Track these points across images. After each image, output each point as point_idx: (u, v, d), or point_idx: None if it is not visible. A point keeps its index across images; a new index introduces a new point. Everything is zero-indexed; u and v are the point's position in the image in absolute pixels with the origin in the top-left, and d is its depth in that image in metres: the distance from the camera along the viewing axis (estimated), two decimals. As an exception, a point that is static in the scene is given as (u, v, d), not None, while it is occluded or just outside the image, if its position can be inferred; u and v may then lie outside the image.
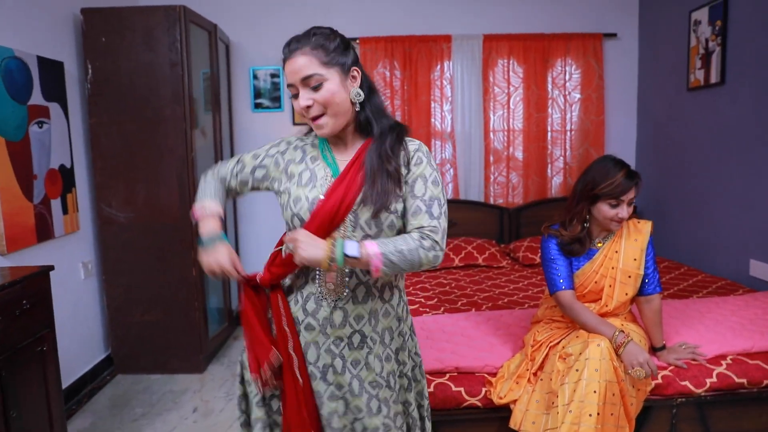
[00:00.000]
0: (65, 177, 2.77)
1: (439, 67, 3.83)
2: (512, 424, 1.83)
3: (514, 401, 1.85)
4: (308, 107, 1.24)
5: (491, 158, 3.96)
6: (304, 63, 1.22)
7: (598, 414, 1.62)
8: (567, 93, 3.91)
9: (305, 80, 1.22)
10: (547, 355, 1.88)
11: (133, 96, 2.92)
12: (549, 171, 4.00)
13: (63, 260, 2.75)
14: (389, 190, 1.23)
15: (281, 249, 1.34)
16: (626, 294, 1.90)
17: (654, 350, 1.96)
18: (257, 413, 1.37)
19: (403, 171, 1.28)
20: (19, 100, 2.41)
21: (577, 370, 1.69)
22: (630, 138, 4.05)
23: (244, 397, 1.42)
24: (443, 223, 1.25)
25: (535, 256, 3.45)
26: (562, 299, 1.87)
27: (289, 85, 1.26)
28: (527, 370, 1.89)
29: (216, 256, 1.29)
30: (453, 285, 3.05)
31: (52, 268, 1.89)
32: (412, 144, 1.32)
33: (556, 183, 4.03)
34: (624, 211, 1.83)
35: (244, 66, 3.78)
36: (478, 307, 2.62)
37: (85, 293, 2.97)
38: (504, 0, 3.83)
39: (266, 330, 1.33)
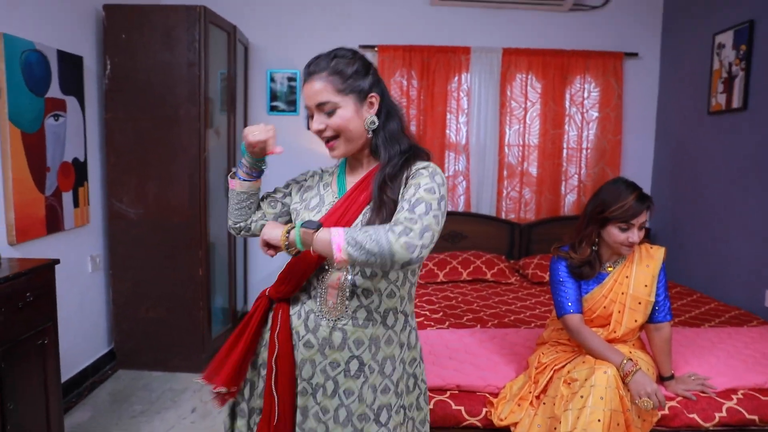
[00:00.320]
0: (78, 170, 2.78)
1: (456, 78, 3.81)
2: (512, 448, 1.79)
3: (515, 424, 1.81)
4: (321, 131, 1.25)
5: (505, 173, 3.92)
6: (319, 89, 1.23)
7: (602, 443, 1.58)
8: (585, 111, 3.87)
9: (320, 106, 1.24)
10: (551, 378, 1.84)
11: (149, 93, 2.94)
12: (563, 188, 3.96)
13: (71, 253, 2.76)
14: (387, 220, 1.20)
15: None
16: (635, 321, 1.85)
17: (662, 379, 1.91)
18: (238, 423, 1.39)
19: (404, 189, 1.24)
20: (36, 93, 2.43)
21: (581, 397, 1.65)
22: (647, 159, 3.99)
23: (231, 406, 1.42)
24: (427, 221, 1.11)
25: (545, 274, 3.40)
26: (570, 323, 1.83)
27: (306, 107, 1.28)
28: (530, 392, 1.85)
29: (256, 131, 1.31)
30: (459, 299, 3.02)
31: (57, 261, 1.88)
32: (419, 164, 1.26)
33: (570, 201, 3.98)
34: (635, 235, 1.79)
35: (261, 68, 3.79)
36: (483, 324, 2.58)
37: (92, 287, 2.98)
38: (525, 14, 3.80)
39: (246, 357, 1.34)
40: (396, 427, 1.30)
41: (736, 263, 3.11)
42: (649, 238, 3.81)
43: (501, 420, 1.82)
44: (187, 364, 3.08)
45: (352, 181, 1.34)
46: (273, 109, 3.82)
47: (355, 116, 1.24)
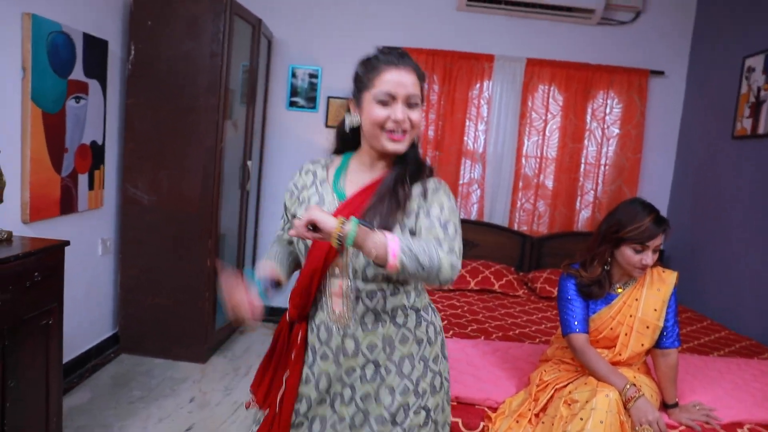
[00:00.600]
0: (95, 153, 2.81)
1: (478, 85, 3.79)
2: (507, 465, 1.76)
3: (512, 440, 1.78)
4: (401, 121, 1.23)
5: (520, 184, 3.88)
6: (414, 82, 1.24)
7: (599, 469, 1.55)
8: (606, 126, 3.82)
9: (409, 97, 1.23)
10: (552, 397, 1.82)
11: (170, 81, 2.95)
12: (578, 203, 3.91)
13: (83, 234, 2.79)
14: (392, 210, 1.20)
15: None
16: (642, 345, 1.82)
17: (665, 407, 1.87)
18: (253, 429, 1.42)
19: (418, 202, 1.25)
20: (60, 74, 2.46)
21: (581, 419, 1.62)
22: (666, 180, 3.93)
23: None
24: (459, 242, 1.21)
25: (553, 288, 3.36)
26: (575, 342, 1.80)
27: (386, 94, 1.21)
28: (529, 410, 1.82)
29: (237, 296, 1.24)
30: (465, 308, 2.99)
31: (67, 243, 1.90)
32: (433, 179, 1.31)
33: (584, 217, 3.93)
34: (648, 257, 1.75)
35: (283, 63, 3.80)
36: (487, 335, 2.55)
37: (101, 270, 3.01)
38: (551, 25, 3.76)
39: (277, 373, 1.36)
40: (413, 428, 1.28)
41: (751, 292, 3.04)
42: (663, 260, 3.75)
43: (498, 436, 1.79)
44: (189, 353, 3.10)
45: (354, 180, 1.31)
46: (292, 104, 3.83)
47: (422, 119, 1.30)
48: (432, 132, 3.80)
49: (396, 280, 1.27)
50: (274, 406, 1.32)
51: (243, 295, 1.21)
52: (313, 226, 1.08)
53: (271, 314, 3.95)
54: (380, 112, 1.22)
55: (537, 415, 1.80)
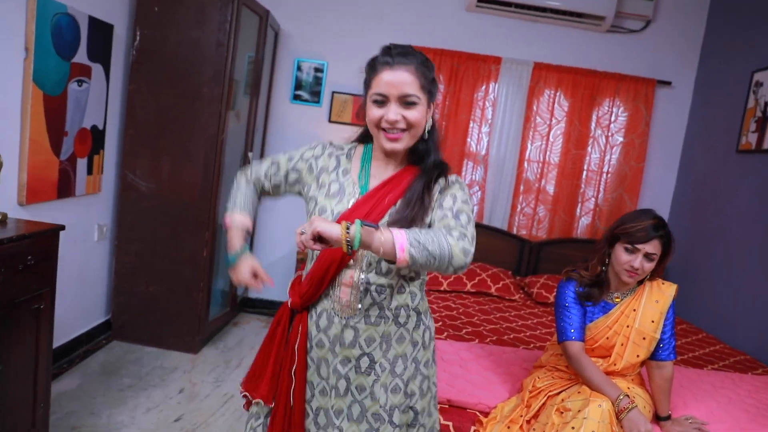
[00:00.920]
0: (96, 138, 2.78)
1: (484, 87, 3.76)
2: (496, 470, 1.75)
3: (502, 446, 1.77)
4: (396, 121, 1.23)
5: (521, 188, 3.87)
6: (409, 80, 1.21)
7: (588, 479, 1.54)
8: (610, 134, 3.80)
9: (403, 96, 1.22)
10: (544, 404, 1.81)
11: (175, 69, 2.93)
12: (578, 210, 3.89)
13: (79, 219, 2.77)
14: (417, 218, 1.22)
15: (301, 275, 1.36)
16: (637, 356, 1.81)
17: (658, 419, 1.85)
18: (253, 423, 1.41)
19: (436, 198, 1.27)
20: (63, 56, 2.43)
21: (573, 428, 1.61)
22: (667, 190, 3.91)
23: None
24: (472, 229, 1.20)
25: (549, 294, 3.35)
26: (570, 350, 1.79)
27: (380, 94, 1.23)
28: (521, 416, 1.81)
29: (238, 272, 1.31)
30: (461, 310, 2.98)
31: (62, 228, 1.88)
32: (452, 177, 1.32)
33: (584, 223, 3.92)
34: (638, 261, 1.74)
35: (289, 56, 3.78)
36: (482, 339, 2.54)
37: (96, 255, 2.99)
38: (560, 30, 3.74)
39: (276, 369, 1.35)
40: (402, 427, 1.30)
41: (747, 307, 3.03)
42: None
43: (488, 441, 1.78)
44: (181, 343, 3.08)
45: (376, 175, 1.32)
46: (296, 98, 3.80)
47: (425, 116, 1.27)
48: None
49: (409, 277, 1.28)
50: (283, 400, 1.31)
51: (245, 269, 1.31)
52: (319, 237, 1.10)
53: (264, 307, 3.94)
54: (375, 113, 1.25)
55: (528, 422, 1.79)
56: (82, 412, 2.35)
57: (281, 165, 1.39)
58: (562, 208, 3.85)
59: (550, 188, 3.87)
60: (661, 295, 1.83)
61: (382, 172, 1.32)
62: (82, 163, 2.69)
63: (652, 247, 1.74)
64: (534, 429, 1.75)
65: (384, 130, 1.24)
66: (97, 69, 2.70)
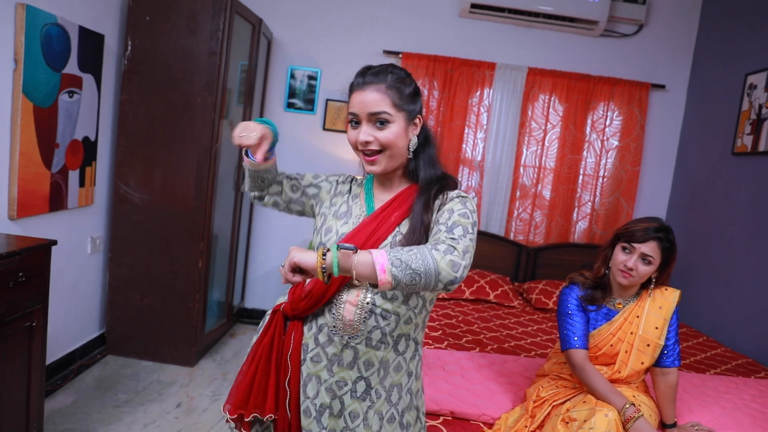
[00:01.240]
0: (87, 149, 2.74)
1: (478, 93, 3.76)
2: (502, 483, 1.72)
3: (508, 458, 1.74)
4: (367, 142, 1.21)
5: (518, 193, 3.85)
6: (377, 99, 1.20)
7: (596, 491, 1.51)
8: (605, 138, 3.80)
9: (372, 115, 1.20)
10: (549, 414, 1.78)
11: (167, 78, 2.90)
12: (575, 215, 3.88)
13: (72, 232, 2.72)
14: (420, 242, 1.19)
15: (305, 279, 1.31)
16: (642, 363, 1.78)
17: (664, 427, 1.83)
18: None
19: (435, 216, 1.23)
20: (54, 67, 2.39)
21: (579, 438, 1.58)
22: (663, 194, 3.91)
23: None
24: (465, 242, 1.11)
25: (549, 300, 3.33)
26: (574, 358, 1.76)
27: (352, 114, 1.23)
28: (525, 426, 1.78)
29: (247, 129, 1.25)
30: (460, 318, 2.95)
31: (54, 243, 1.84)
32: (453, 192, 1.26)
33: (581, 228, 3.91)
34: (632, 261, 1.73)
35: (282, 64, 3.75)
36: (482, 347, 2.51)
37: (89, 268, 2.94)
38: (554, 35, 3.74)
39: (262, 378, 1.29)
40: None
41: (747, 310, 3.02)
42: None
43: (493, 453, 1.75)
44: (178, 356, 3.03)
45: (381, 198, 1.31)
46: (290, 106, 3.78)
47: (403, 134, 1.23)
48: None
49: (414, 307, 1.25)
50: (282, 414, 1.27)
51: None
52: (299, 268, 1.07)
53: (260, 317, 3.89)
54: (351, 134, 1.24)
55: (533, 433, 1.76)
56: (77, 430, 2.30)
57: (306, 176, 1.41)
58: (558, 213, 3.84)
59: (547, 193, 3.86)
60: (664, 302, 1.81)
61: (384, 194, 1.32)
62: (74, 176, 2.64)
63: (649, 248, 1.73)
64: (539, 440, 1.72)
65: (363, 153, 1.23)
66: (88, 79, 2.66)
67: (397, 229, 1.24)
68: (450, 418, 1.85)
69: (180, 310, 3.02)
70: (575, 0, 3.46)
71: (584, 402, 1.69)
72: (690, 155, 3.73)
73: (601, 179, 3.84)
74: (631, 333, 1.79)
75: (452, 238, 1.11)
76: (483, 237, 3.74)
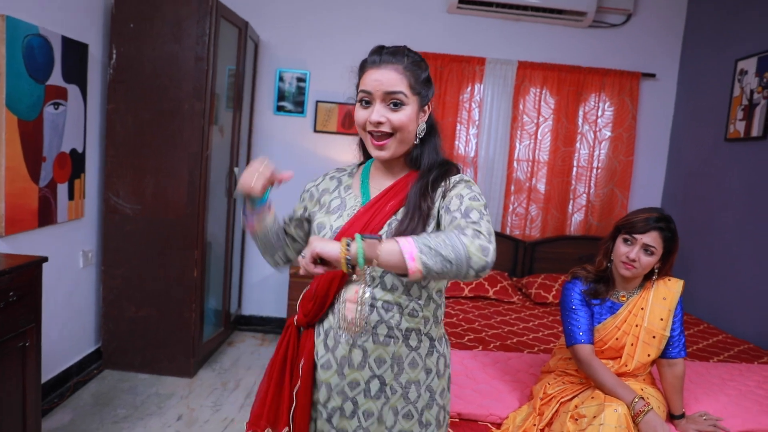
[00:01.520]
0: (75, 162, 2.69)
1: (469, 89, 3.73)
2: (513, 484, 1.70)
3: (518, 458, 1.71)
4: (379, 123, 1.16)
5: (512, 188, 3.84)
6: (395, 78, 1.15)
7: (610, 487, 1.49)
8: (597, 129, 3.79)
9: (388, 95, 1.16)
10: (557, 411, 1.75)
11: (154, 86, 2.85)
12: (570, 207, 3.87)
13: (63, 247, 2.67)
14: (418, 229, 1.14)
15: (308, 289, 1.30)
16: (648, 355, 1.77)
17: (672, 418, 1.81)
18: None
19: (439, 203, 1.18)
20: (37, 79, 2.34)
21: (589, 435, 1.56)
22: (658, 182, 3.91)
23: None
24: (487, 225, 1.07)
25: (548, 294, 3.31)
26: (580, 354, 1.74)
27: (365, 92, 1.18)
28: (534, 425, 1.76)
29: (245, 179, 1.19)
30: (461, 317, 2.92)
31: (45, 259, 1.79)
32: (455, 177, 1.22)
33: (576, 220, 3.89)
34: (634, 252, 1.72)
35: (270, 67, 3.71)
36: (485, 345, 2.49)
37: (82, 282, 2.88)
38: (543, 28, 3.73)
39: (282, 393, 1.27)
40: None
41: (746, 296, 3.02)
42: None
43: (503, 453, 1.73)
44: (176, 367, 2.99)
45: (377, 187, 1.27)
46: (280, 109, 3.73)
47: (415, 119, 1.19)
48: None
49: (417, 298, 1.20)
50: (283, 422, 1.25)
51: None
52: (320, 259, 1.01)
53: (258, 324, 3.85)
54: (360, 114, 1.19)
55: (542, 430, 1.73)
56: (76, 449, 2.25)
57: (295, 209, 1.37)
58: (554, 206, 3.82)
59: (541, 187, 3.84)
60: (668, 292, 1.79)
61: (382, 182, 1.26)
62: (62, 189, 2.59)
63: (651, 238, 1.72)
64: (549, 438, 1.70)
65: (371, 134, 1.18)
66: (73, 90, 2.61)
67: (393, 217, 1.19)
68: (457, 420, 1.82)
69: (176, 321, 2.97)
70: (563, -8, 3.44)
71: (593, 398, 1.67)
72: (683, 143, 3.73)
73: (595, 170, 3.83)
74: (636, 325, 1.77)
75: (473, 222, 1.06)
76: (479, 233, 3.71)
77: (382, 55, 1.18)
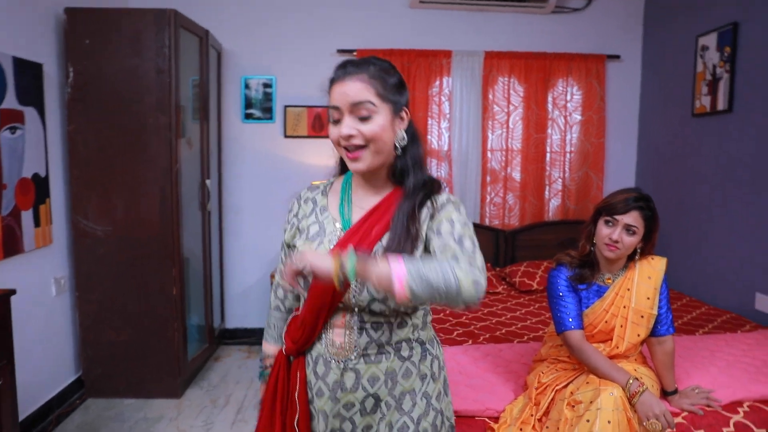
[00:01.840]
0: (39, 186, 2.58)
1: (438, 83, 3.72)
2: (516, 476, 1.68)
3: (518, 450, 1.70)
4: (350, 136, 1.11)
5: (488, 178, 3.84)
6: (360, 88, 1.11)
7: (611, 470, 1.48)
8: (567, 114, 3.81)
9: (355, 106, 1.11)
10: (553, 399, 1.75)
11: (115, 102, 2.76)
12: (547, 193, 3.89)
13: (33, 276, 2.57)
14: (408, 249, 1.10)
15: (298, 316, 1.25)
16: (638, 335, 1.77)
17: (665, 394, 1.83)
18: None
19: (428, 224, 1.15)
20: (-10, 104, 2.24)
21: (587, 421, 1.55)
22: (630, 162, 3.96)
23: None
24: (479, 257, 1.06)
25: (532, 281, 3.32)
26: (571, 340, 1.74)
27: (334, 108, 1.13)
28: (531, 415, 1.75)
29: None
30: (447, 311, 2.91)
31: (13, 292, 1.71)
32: (441, 197, 1.19)
33: (554, 206, 3.92)
34: (617, 233, 1.72)
35: (235, 74, 3.63)
36: (475, 339, 2.48)
37: (57, 311, 2.78)
38: (506, 17, 3.73)
39: (274, 423, 1.25)
40: None
41: (723, 266, 3.07)
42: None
43: (503, 446, 1.71)
44: (162, 389, 2.90)
45: (360, 205, 1.21)
46: (248, 116, 3.66)
47: (389, 127, 1.14)
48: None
49: (404, 312, 1.17)
50: None
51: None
52: (302, 274, 0.99)
53: (244, 336, 3.78)
54: (333, 131, 1.16)
55: (540, 420, 1.73)
56: (64, 484, 2.16)
57: (285, 237, 1.31)
58: (530, 193, 3.84)
59: (516, 175, 3.85)
60: (652, 271, 1.80)
61: (365, 200, 1.21)
62: (27, 216, 2.49)
63: (632, 218, 1.72)
64: (547, 427, 1.69)
65: (346, 149, 1.14)
66: (30, 113, 2.51)
67: (379, 243, 1.14)
68: (454, 417, 1.80)
69: (159, 341, 2.89)
70: (523, -21, 3.45)
71: (587, 383, 1.67)
72: (652, 121, 3.78)
73: (568, 155, 3.85)
74: (624, 306, 1.78)
75: (469, 254, 1.05)
76: (460, 226, 3.71)
77: (346, 68, 1.14)
